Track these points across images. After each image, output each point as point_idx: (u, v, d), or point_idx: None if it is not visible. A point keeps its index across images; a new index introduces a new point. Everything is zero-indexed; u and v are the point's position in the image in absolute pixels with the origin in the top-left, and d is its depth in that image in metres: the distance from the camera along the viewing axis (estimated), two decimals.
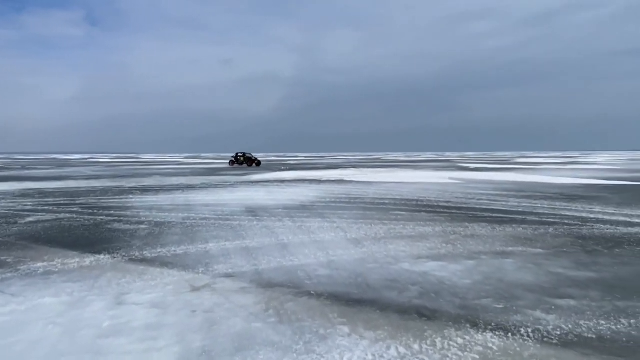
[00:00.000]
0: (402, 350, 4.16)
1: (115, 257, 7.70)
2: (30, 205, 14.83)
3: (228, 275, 6.53)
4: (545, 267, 6.91)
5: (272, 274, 6.62)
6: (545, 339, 4.34)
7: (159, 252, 8.05)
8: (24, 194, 18.42)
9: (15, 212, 13.10)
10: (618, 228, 10.10)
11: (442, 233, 9.64)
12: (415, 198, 16.19)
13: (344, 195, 17.14)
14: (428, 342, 4.31)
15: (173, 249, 8.28)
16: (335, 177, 28.90)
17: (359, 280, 6.32)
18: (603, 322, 4.71)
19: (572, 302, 5.33)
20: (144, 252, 8.01)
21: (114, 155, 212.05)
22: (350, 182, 24.47)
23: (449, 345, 4.25)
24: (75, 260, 7.49)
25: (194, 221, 11.35)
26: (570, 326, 4.63)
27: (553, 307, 5.18)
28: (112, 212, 13.13)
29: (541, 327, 4.62)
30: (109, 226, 10.75)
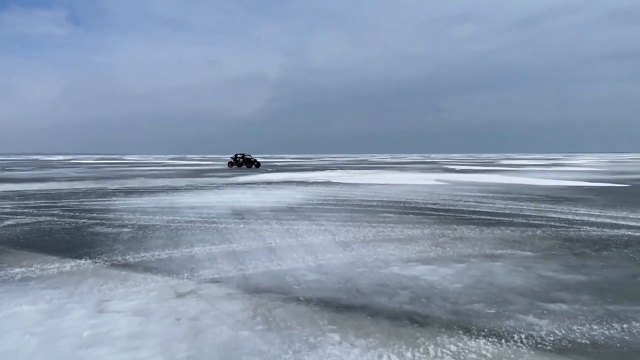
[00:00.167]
0: (394, 359, 4.04)
1: (96, 262, 7.46)
2: (9, 207, 14.41)
3: (214, 281, 6.35)
4: (535, 270, 6.87)
5: (260, 279, 6.46)
6: (539, 345, 4.27)
7: (143, 256, 7.82)
8: (2, 196, 17.92)
9: None
10: (604, 230, 10.15)
11: (430, 235, 9.57)
12: (403, 200, 16.15)
13: (331, 197, 17.02)
14: (421, 349, 4.20)
15: (157, 253, 8.06)
16: (323, 178, 28.78)
17: (348, 285, 6.19)
18: (596, 327, 4.66)
19: (564, 307, 5.28)
20: (127, 257, 7.78)
21: (98, 156, 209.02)
22: (338, 183, 24.38)
23: (442, 353, 4.14)
24: (54, 266, 7.23)
25: (178, 224, 11.11)
26: (563, 331, 4.57)
27: (545, 312, 5.12)
28: (95, 214, 12.81)
29: (534, 333, 4.54)
30: (91, 229, 10.46)
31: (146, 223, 11.29)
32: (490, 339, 4.41)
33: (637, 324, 4.72)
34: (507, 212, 13.08)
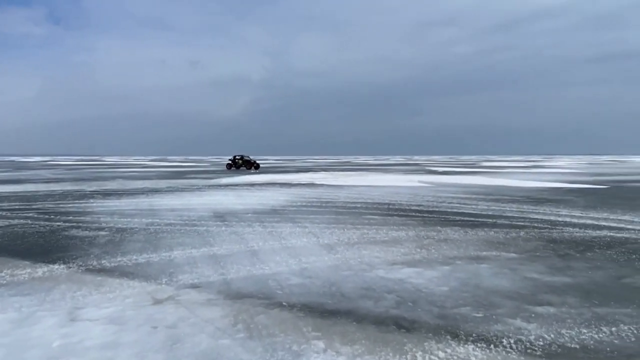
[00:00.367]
0: None
1: (70, 267, 7.15)
2: None
3: (193, 286, 6.12)
4: (520, 273, 6.81)
5: (241, 283, 6.25)
6: (529, 350, 4.16)
7: (119, 261, 7.53)
8: None
9: None
10: (587, 231, 10.20)
11: (415, 237, 9.48)
12: (387, 201, 16.08)
13: (315, 199, 16.86)
14: (408, 356, 4.06)
15: (134, 257, 7.77)
16: (306, 180, 28.60)
17: (333, 289, 6.03)
18: (585, 331, 4.58)
19: (551, 310, 5.20)
20: (103, 261, 7.48)
21: (76, 157, 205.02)
22: (321, 185, 24.23)
23: None
24: (26, 271, 6.90)
25: (158, 227, 10.80)
26: (552, 335, 4.48)
27: (533, 315, 5.04)
28: (71, 217, 12.40)
29: (523, 338, 4.44)
30: (66, 233, 10.09)
31: (124, 226, 10.96)
32: (479, 344, 4.29)
33: (626, 327, 4.67)
34: (491, 213, 13.09)
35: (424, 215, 12.75)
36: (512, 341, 4.37)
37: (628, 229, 10.44)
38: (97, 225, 11.12)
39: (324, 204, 15.27)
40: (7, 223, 11.38)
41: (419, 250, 8.32)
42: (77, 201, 16.45)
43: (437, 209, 14.00)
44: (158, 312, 5.13)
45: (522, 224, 11.22)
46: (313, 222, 11.49)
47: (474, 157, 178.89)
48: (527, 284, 6.23)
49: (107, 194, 19.12)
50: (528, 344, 4.31)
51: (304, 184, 24.88)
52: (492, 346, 4.26)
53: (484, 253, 8.10)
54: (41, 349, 4.24)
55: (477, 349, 4.21)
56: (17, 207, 14.70)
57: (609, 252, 8.17)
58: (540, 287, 6.08)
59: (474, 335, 4.51)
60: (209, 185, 24.26)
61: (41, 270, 6.98)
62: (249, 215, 12.75)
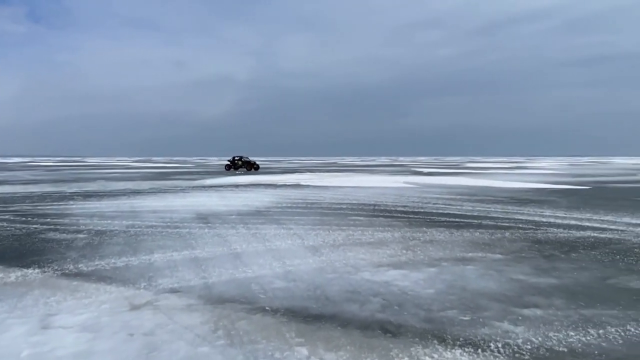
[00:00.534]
0: None
1: (45, 272, 6.88)
2: None
3: (173, 291, 5.92)
4: (506, 274, 6.75)
5: (223, 287, 6.07)
6: (517, 355, 4.08)
7: (97, 265, 7.28)
8: None
9: None
10: (571, 232, 10.23)
11: (401, 239, 9.39)
12: (373, 202, 16.00)
13: (300, 200, 16.70)
14: None
15: (113, 261, 7.53)
16: (292, 181, 28.42)
17: (317, 292, 5.89)
18: (572, 334, 4.52)
19: (538, 312, 5.13)
20: (80, 265, 7.23)
21: (58, 158, 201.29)
22: (307, 186, 24.08)
23: None
24: None
25: (138, 229, 10.54)
26: (540, 339, 4.40)
27: (520, 318, 4.96)
28: (49, 219, 12.05)
29: (511, 341, 4.36)
30: (43, 236, 9.78)
31: (104, 228, 10.67)
32: (466, 349, 4.19)
33: (613, 329, 4.62)
34: (476, 214, 13.09)
35: (410, 216, 12.69)
36: (499, 345, 4.28)
37: (611, 230, 10.50)
38: (75, 227, 10.81)
39: (309, 205, 15.12)
40: None
41: (404, 251, 8.23)
42: (56, 203, 16.03)
43: (422, 210, 13.96)
44: (135, 319, 4.93)
45: (507, 224, 11.22)
46: (298, 223, 11.33)
47: (458, 158, 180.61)
48: (513, 286, 6.17)
49: (87, 196, 18.70)
50: (516, 347, 4.23)
51: (289, 185, 24.70)
52: (479, 350, 4.16)
53: (470, 254, 8.04)
54: (8, 359, 4.01)
55: (465, 353, 4.11)
56: None
57: (593, 252, 8.17)
58: (526, 289, 6.02)
59: (461, 339, 4.41)
60: (193, 187, 23.93)
61: (14, 275, 6.71)
62: (233, 217, 12.54)
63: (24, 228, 10.73)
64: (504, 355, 4.08)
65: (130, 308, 5.28)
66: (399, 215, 12.90)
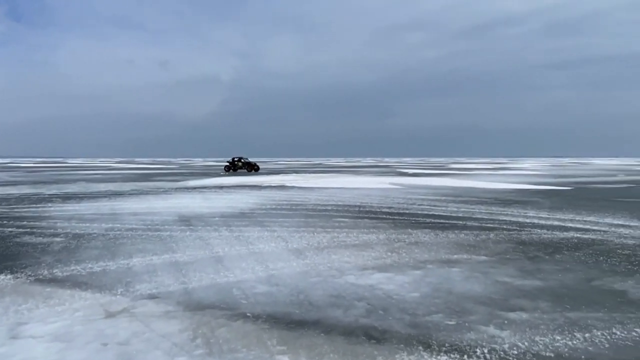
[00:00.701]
0: None
1: (18, 277, 6.62)
2: None
3: (151, 297, 5.72)
4: (491, 276, 6.70)
5: (203, 293, 5.89)
6: None
7: (72, 270, 7.03)
8: None
9: None
10: (554, 233, 10.26)
11: (386, 241, 9.30)
12: (358, 204, 15.91)
13: (285, 202, 16.53)
14: None
15: (90, 265, 7.28)
16: (277, 182, 28.22)
17: (300, 297, 5.74)
18: (558, 338, 4.45)
19: (524, 315, 5.07)
20: (54, 271, 6.97)
21: (38, 159, 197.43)
22: (292, 187, 23.91)
23: None
24: None
25: (118, 232, 10.27)
26: (526, 343, 4.33)
27: (506, 322, 4.89)
28: (25, 222, 11.69)
29: (497, 346, 4.27)
30: (18, 239, 9.45)
31: (82, 231, 10.37)
32: (452, 355, 4.09)
33: (599, 333, 4.56)
34: (460, 215, 13.08)
35: (395, 217, 12.63)
36: (485, 350, 4.19)
37: (594, 230, 10.56)
38: (52, 231, 10.49)
39: (294, 207, 14.97)
40: None
41: (389, 254, 8.14)
42: (33, 205, 15.61)
43: (407, 211, 13.91)
44: (110, 327, 4.73)
45: (492, 225, 11.22)
46: (282, 225, 11.18)
47: (443, 159, 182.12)
48: (498, 289, 6.11)
49: (67, 198, 18.26)
50: (502, 353, 4.14)
51: (274, 187, 24.51)
52: (465, 356, 4.07)
53: (455, 256, 7.98)
54: None
55: (450, 359, 4.01)
56: None
57: (577, 253, 8.18)
58: (512, 292, 5.96)
59: (446, 345, 4.31)
60: (176, 188, 23.58)
61: None
62: (216, 219, 12.33)
63: None
64: None
65: (106, 316, 5.07)
66: (384, 216, 12.82)
